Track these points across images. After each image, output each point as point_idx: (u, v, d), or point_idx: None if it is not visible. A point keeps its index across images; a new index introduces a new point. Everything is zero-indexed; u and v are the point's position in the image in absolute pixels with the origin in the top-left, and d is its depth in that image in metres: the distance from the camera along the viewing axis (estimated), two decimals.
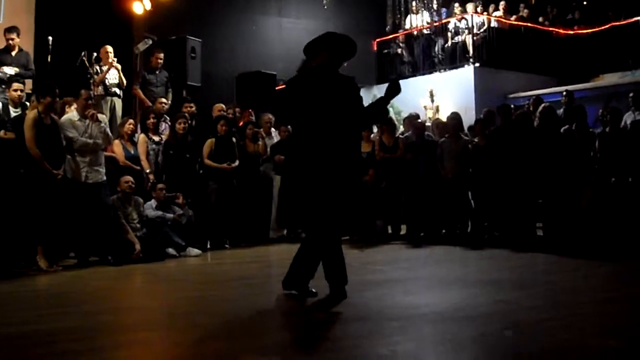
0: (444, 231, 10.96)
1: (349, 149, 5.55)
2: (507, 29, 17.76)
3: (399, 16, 19.36)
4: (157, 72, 11.98)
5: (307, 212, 5.45)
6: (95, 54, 11.13)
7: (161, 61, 12.06)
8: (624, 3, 17.38)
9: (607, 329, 4.46)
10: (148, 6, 13.16)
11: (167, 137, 10.23)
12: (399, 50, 18.76)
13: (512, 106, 12.25)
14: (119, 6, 13.06)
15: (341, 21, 17.15)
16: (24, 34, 11.06)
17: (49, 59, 10.84)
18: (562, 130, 10.08)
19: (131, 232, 8.80)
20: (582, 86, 15.94)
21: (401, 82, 5.88)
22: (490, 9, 18.22)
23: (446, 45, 17.82)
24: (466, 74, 16.68)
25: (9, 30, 10.45)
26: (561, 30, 18.18)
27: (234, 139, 10.57)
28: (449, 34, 17.84)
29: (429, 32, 18.40)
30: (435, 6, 18.67)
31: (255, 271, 8.14)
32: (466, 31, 17.40)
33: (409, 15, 19.08)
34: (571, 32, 18.10)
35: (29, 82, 10.35)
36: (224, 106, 11.58)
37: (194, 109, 11.26)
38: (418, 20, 18.76)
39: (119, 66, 11.40)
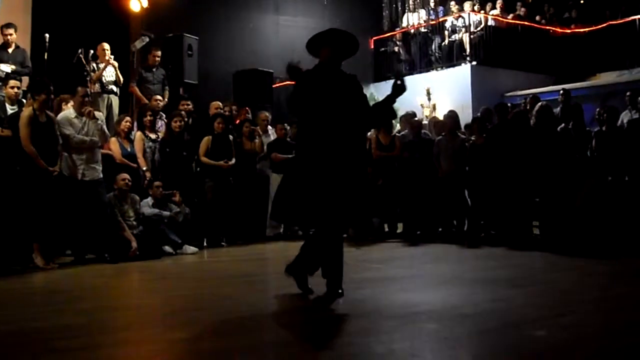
0: (440, 229, 10.95)
1: (352, 147, 5.53)
2: (504, 28, 17.77)
3: (395, 15, 19.37)
4: (154, 69, 11.96)
5: (308, 208, 5.44)
6: (92, 52, 11.13)
7: (158, 59, 12.05)
8: (621, 2, 17.40)
9: (606, 327, 4.47)
10: (145, 4, 13.13)
11: (164, 134, 10.23)
12: (396, 49, 18.76)
13: (509, 105, 12.26)
14: (115, 4, 13.04)
15: (338, 19, 17.14)
16: (21, 31, 11.04)
17: (45, 57, 10.84)
18: (558, 129, 10.09)
19: (128, 230, 8.79)
20: (579, 85, 15.96)
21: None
22: (488, 8, 18.22)
23: (443, 44, 17.82)
24: (463, 72, 16.69)
25: (7, 26, 10.44)
26: (558, 29, 18.19)
27: (230, 137, 10.57)
28: (446, 32, 17.85)
29: (426, 30, 18.40)
30: (432, 4, 18.68)
31: (251, 269, 8.14)
32: (463, 29, 17.40)
33: (406, 14, 19.09)
34: (568, 31, 18.11)
35: (25, 80, 10.33)
36: (220, 104, 11.57)
37: (190, 106, 11.26)
38: (415, 19, 18.77)
39: (116, 64, 11.39)
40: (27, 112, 8.06)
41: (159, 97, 11.27)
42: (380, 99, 5.77)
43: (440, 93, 16.67)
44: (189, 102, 11.35)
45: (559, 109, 11.83)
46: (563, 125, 10.31)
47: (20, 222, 7.98)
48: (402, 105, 11.85)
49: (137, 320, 5.17)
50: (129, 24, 13.68)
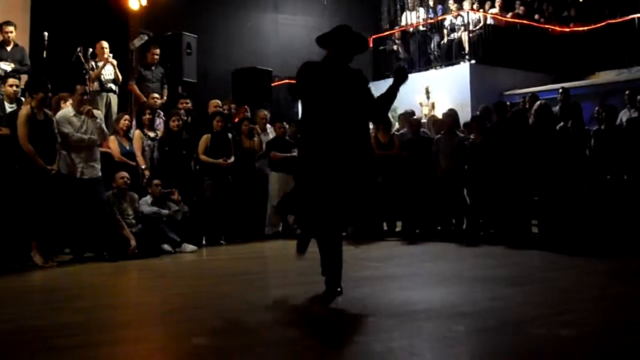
0: (439, 228, 10.95)
1: (355, 141, 5.48)
2: (503, 26, 17.76)
3: (394, 14, 19.37)
4: (153, 68, 11.96)
5: (309, 205, 5.44)
6: (90, 50, 11.13)
7: (157, 57, 12.04)
8: (620, 1, 17.40)
9: (605, 325, 4.47)
10: (144, 2, 13.12)
11: (162, 133, 10.23)
12: (395, 47, 18.76)
13: (507, 103, 12.26)
14: (114, 2, 13.03)
15: (337, 17, 17.12)
16: (20, 29, 11.03)
17: (44, 55, 10.83)
18: (557, 127, 10.09)
19: (126, 228, 8.79)
20: (577, 84, 15.96)
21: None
22: (486, 6, 18.22)
23: (442, 42, 17.82)
24: (462, 71, 16.69)
25: (6, 24, 10.44)
26: (557, 28, 18.19)
27: (229, 135, 10.57)
28: (445, 31, 17.85)
29: (425, 28, 18.40)
30: (431, 3, 18.68)
31: (250, 267, 8.14)
32: (462, 28, 17.40)
33: (405, 12, 19.09)
34: (567, 30, 18.11)
35: (24, 78, 10.32)
36: (220, 102, 11.57)
37: (189, 105, 11.27)
38: (414, 17, 18.76)
39: (115, 62, 11.38)
40: (24, 110, 8.05)
41: (156, 95, 11.28)
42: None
43: (439, 92, 16.67)
44: (187, 101, 11.36)
45: (558, 107, 11.83)
46: (562, 124, 10.31)
47: (19, 220, 7.98)
48: (401, 104, 11.88)
49: (135, 318, 5.17)
50: (127, 22, 13.66)
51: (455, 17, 17.72)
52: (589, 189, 9.44)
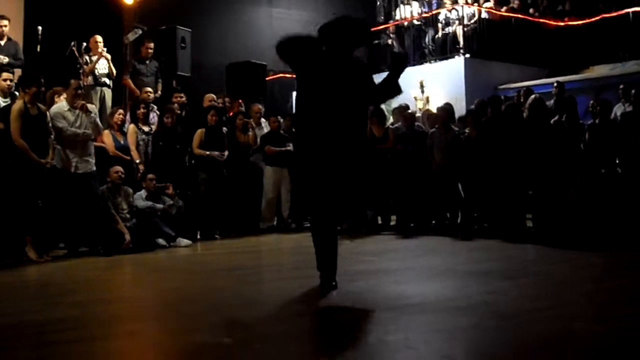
0: (433, 222, 10.96)
1: (351, 134, 5.42)
2: (497, 20, 17.72)
3: (389, 8, 19.34)
4: (147, 62, 11.95)
5: (304, 198, 5.43)
6: (84, 44, 11.12)
7: (151, 51, 12.04)
8: None
9: (600, 318, 4.48)
10: None
11: (156, 127, 10.21)
12: (390, 41, 18.73)
13: (502, 97, 12.25)
14: None
15: (332, 11, 17.08)
16: (14, 23, 11.03)
17: (38, 49, 10.81)
18: (552, 121, 10.10)
19: (121, 223, 8.79)
20: (572, 78, 15.94)
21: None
22: (481, 0, 18.19)
23: (436, 36, 17.78)
24: (456, 65, 16.64)
25: (0, 18, 10.41)
26: (551, 22, 18.16)
27: (224, 129, 10.56)
28: (440, 25, 17.79)
29: (419, 22, 18.37)
30: None
31: (245, 261, 8.13)
32: (457, 22, 17.35)
33: (399, 6, 19.06)
34: (561, 24, 18.08)
35: (18, 72, 10.30)
36: (214, 96, 11.56)
37: (184, 99, 11.25)
38: (408, 11, 18.73)
39: (109, 56, 11.37)
40: (17, 105, 8.04)
41: (149, 89, 11.26)
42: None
43: (433, 86, 16.63)
44: (182, 95, 11.34)
45: (552, 101, 11.83)
46: (556, 117, 10.31)
47: (13, 215, 7.97)
48: (395, 98, 11.87)
49: (130, 312, 5.17)
50: (121, 16, 13.66)
51: (450, 11, 17.67)
52: (583, 182, 9.45)
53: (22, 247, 7.97)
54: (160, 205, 9.36)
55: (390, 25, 18.89)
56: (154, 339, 4.29)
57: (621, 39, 16.53)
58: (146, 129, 10.13)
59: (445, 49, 17.37)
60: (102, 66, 11.26)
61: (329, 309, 4.99)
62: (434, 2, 18.52)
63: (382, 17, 19.48)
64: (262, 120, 11.94)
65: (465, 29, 17.01)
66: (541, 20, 18.08)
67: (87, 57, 11.11)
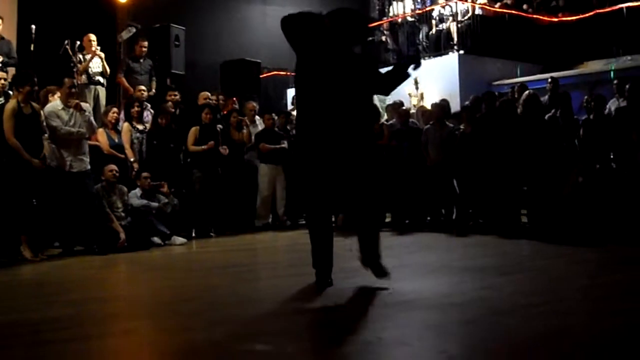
0: (428, 218, 10.98)
1: (354, 130, 5.35)
2: (491, 16, 17.71)
3: (382, 4, 19.34)
4: (141, 60, 11.94)
5: (303, 193, 5.42)
6: (78, 43, 11.11)
7: (145, 49, 12.03)
8: None
9: (594, 314, 4.48)
10: None
11: (150, 126, 10.20)
12: (384, 38, 18.72)
13: (496, 93, 12.26)
14: None
15: (326, 9, 17.04)
16: (7, 22, 11.01)
17: (32, 48, 10.79)
18: (546, 117, 10.11)
19: (116, 221, 8.78)
20: (566, 73, 15.95)
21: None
22: None
23: (430, 33, 17.78)
24: (450, 61, 16.63)
25: None
26: (545, 18, 18.16)
27: (218, 127, 10.55)
28: (433, 22, 17.80)
29: (413, 19, 18.36)
30: None
31: (240, 259, 8.14)
32: (450, 18, 17.36)
33: (393, 3, 19.05)
34: (555, 20, 18.09)
35: (12, 71, 10.28)
36: (209, 94, 11.55)
37: (178, 97, 11.24)
38: (402, 8, 18.73)
39: (103, 55, 11.37)
40: (11, 104, 8.03)
41: (142, 87, 11.24)
42: None
43: (427, 82, 16.61)
44: (176, 93, 11.33)
45: (547, 97, 11.83)
46: (551, 113, 10.32)
47: (8, 214, 7.95)
48: (390, 95, 11.88)
49: (125, 311, 5.16)
50: (115, 14, 13.65)
51: (444, 8, 17.69)
52: (578, 178, 9.46)
53: (17, 246, 7.97)
54: (155, 204, 9.36)
55: (385, 22, 18.89)
56: (149, 337, 4.29)
57: (615, 34, 16.53)
58: (140, 127, 10.13)
59: (439, 46, 17.37)
60: (96, 65, 11.25)
61: (325, 306, 4.99)
62: None
63: (376, 14, 19.45)
64: (257, 117, 11.94)
65: (459, 25, 17.01)
66: (535, 16, 18.07)
67: (80, 56, 11.10)
